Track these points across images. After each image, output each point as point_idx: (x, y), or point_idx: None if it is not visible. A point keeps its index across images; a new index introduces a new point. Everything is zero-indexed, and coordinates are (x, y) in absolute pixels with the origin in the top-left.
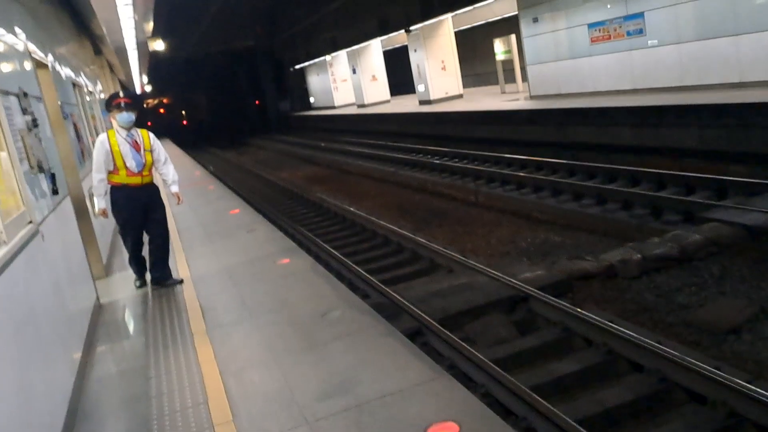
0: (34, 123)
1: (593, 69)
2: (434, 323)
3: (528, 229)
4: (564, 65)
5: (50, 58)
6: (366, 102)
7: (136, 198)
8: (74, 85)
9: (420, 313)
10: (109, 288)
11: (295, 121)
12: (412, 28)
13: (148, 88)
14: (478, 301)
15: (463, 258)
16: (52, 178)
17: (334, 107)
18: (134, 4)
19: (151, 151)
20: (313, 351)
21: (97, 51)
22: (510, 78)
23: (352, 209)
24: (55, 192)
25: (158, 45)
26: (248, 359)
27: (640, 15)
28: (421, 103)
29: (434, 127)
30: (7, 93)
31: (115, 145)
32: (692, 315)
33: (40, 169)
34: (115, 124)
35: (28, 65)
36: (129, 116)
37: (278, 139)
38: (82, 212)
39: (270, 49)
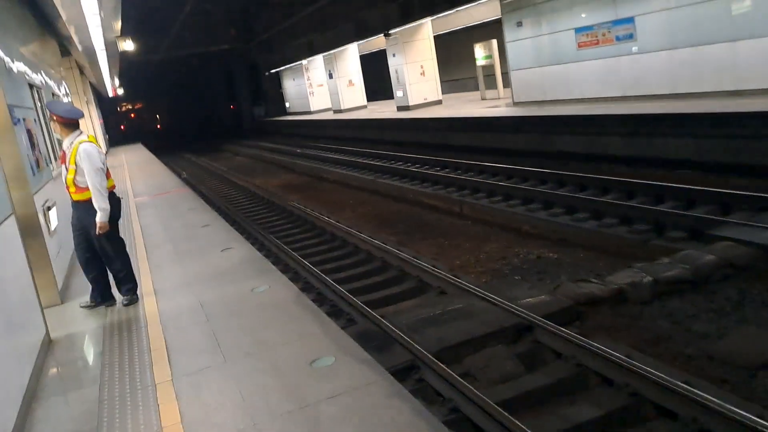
0: None
1: (580, 75)
2: (430, 356)
3: (519, 243)
4: (549, 71)
5: None
6: (342, 107)
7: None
8: (31, 86)
9: (413, 344)
10: (63, 318)
11: (270, 126)
12: (390, 31)
13: (121, 92)
14: (478, 330)
15: (455, 278)
16: None
17: (310, 112)
18: (99, 1)
19: (75, 167)
20: (301, 415)
21: (65, 52)
22: (490, 84)
23: (331, 221)
24: None
25: (128, 45)
26: (222, 425)
27: (630, 20)
28: (399, 109)
29: (413, 133)
30: None
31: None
32: (714, 346)
33: None
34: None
35: None
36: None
37: (253, 144)
38: (32, 232)
39: (245, 53)
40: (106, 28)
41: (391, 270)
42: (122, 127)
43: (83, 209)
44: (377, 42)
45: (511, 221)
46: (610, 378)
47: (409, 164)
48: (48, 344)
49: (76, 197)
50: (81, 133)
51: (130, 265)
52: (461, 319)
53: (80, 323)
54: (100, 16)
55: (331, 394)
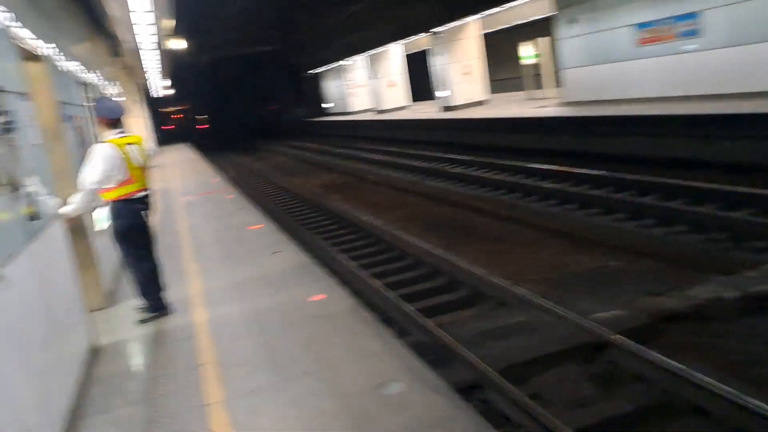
0: (6, 126)
1: (638, 73)
2: (496, 375)
3: (577, 251)
4: (605, 69)
5: (49, 50)
6: (384, 108)
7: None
8: (83, 84)
9: (477, 360)
10: (109, 323)
11: (310, 126)
12: (435, 30)
13: (168, 92)
14: (546, 347)
15: (513, 286)
16: (37, 198)
17: (350, 113)
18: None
19: None
20: None
21: (116, 52)
22: (538, 84)
23: (375, 222)
24: (34, 218)
25: (179, 44)
26: None
27: (695, 15)
28: (443, 109)
29: (458, 134)
30: None
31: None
32: None
33: (13, 188)
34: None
35: (7, 49)
36: None
37: (293, 144)
38: (79, 232)
39: (286, 54)
40: (158, 26)
41: (442, 276)
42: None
43: (110, 210)
44: (420, 42)
45: (567, 226)
46: (704, 408)
47: (454, 165)
48: (93, 353)
49: (105, 197)
50: (121, 132)
51: (148, 279)
52: (526, 334)
53: (127, 330)
54: (154, 14)
55: (405, 428)
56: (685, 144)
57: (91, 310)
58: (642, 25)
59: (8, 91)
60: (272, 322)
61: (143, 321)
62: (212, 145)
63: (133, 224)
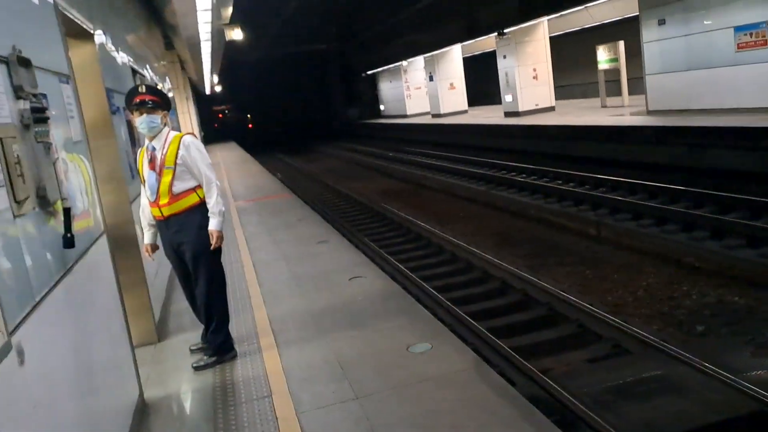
0: (38, 115)
1: (737, 81)
2: None
3: (685, 280)
4: (697, 75)
5: (100, 31)
6: (442, 111)
7: (163, 238)
8: (134, 72)
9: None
10: (160, 363)
11: (363, 128)
12: (505, 31)
13: (218, 89)
14: (701, 415)
15: (630, 327)
16: (67, 217)
17: (406, 116)
18: None
19: (174, 168)
20: None
21: (169, 45)
22: (612, 90)
23: (448, 237)
24: (69, 243)
25: (236, 34)
26: None
27: None
28: (508, 114)
29: (526, 141)
30: None
31: (140, 163)
32: None
33: (42, 201)
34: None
35: (48, 18)
36: (148, 121)
37: (346, 146)
38: (125, 249)
39: (341, 53)
40: (215, 15)
41: (534, 305)
42: (215, 125)
43: (179, 222)
44: (481, 44)
45: (669, 250)
46: None
47: (524, 175)
48: (141, 409)
49: (170, 210)
50: (170, 130)
51: (226, 307)
52: (669, 395)
53: (184, 377)
54: (212, 0)
55: None
56: None
57: (139, 346)
58: (742, 28)
59: (44, 69)
60: (368, 382)
61: (203, 366)
62: (261, 145)
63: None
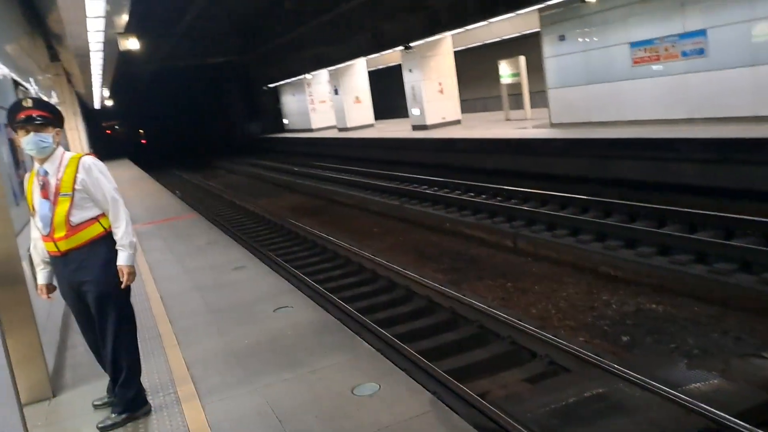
0: None
1: (635, 94)
2: None
3: (604, 289)
4: (596, 89)
5: None
6: (348, 125)
7: (60, 277)
8: (17, 84)
9: None
10: (56, 424)
11: (266, 143)
12: (412, 44)
13: (109, 103)
14: None
15: (562, 342)
16: None
17: (311, 130)
18: None
19: (72, 195)
20: None
21: (54, 56)
22: (515, 104)
23: (367, 254)
24: None
25: (132, 44)
26: None
27: (701, 32)
28: (415, 128)
29: (434, 155)
30: None
31: (29, 191)
32: None
33: None
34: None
35: None
36: (37, 141)
37: (248, 162)
38: (12, 287)
39: (242, 66)
40: (108, 23)
41: (463, 322)
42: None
43: (80, 258)
44: (386, 58)
45: (585, 260)
46: None
47: (436, 188)
48: None
49: (68, 244)
50: (64, 150)
51: (137, 355)
52: (615, 416)
53: None
54: (105, 8)
55: None
56: (692, 169)
57: (28, 404)
58: (638, 44)
59: None
60: None
61: (111, 426)
62: (157, 162)
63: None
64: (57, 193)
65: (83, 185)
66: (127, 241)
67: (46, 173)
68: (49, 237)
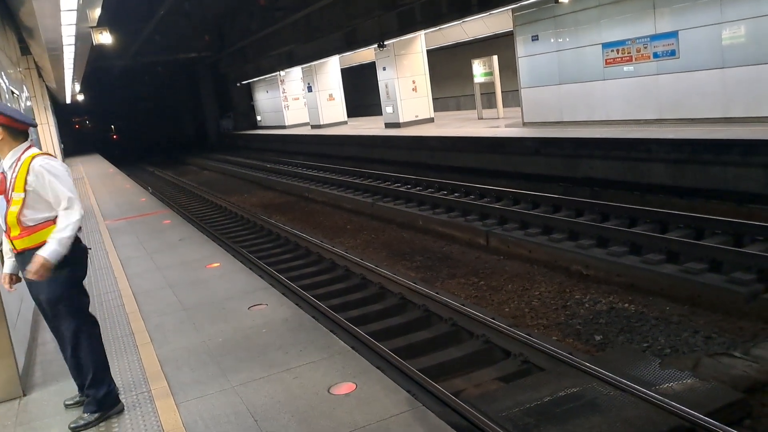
0: None
1: (606, 94)
2: None
3: (575, 288)
4: (569, 89)
5: None
6: (322, 122)
7: (23, 274)
8: None
9: None
10: (27, 424)
11: (239, 140)
12: (385, 42)
13: (80, 98)
14: None
15: (535, 341)
16: None
17: (284, 127)
18: None
19: (24, 195)
20: None
21: (25, 50)
22: (487, 103)
23: (339, 251)
24: None
25: (104, 38)
26: None
27: (673, 34)
28: (388, 126)
29: (407, 152)
30: None
31: None
32: None
33: None
34: None
35: None
36: None
37: (221, 158)
38: None
39: (214, 62)
40: (80, 17)
41: (436, 320)
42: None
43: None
44: (359, 56)
45: (557, 259)
46: None
47: (409, 186)
48: None
49: (22, 244)
50: (30, 146)
51: (103, 355)
52: (589, 414)
53: None
54: (78, 1)
55: None
56: (663, 169)
57: None
58: (609, 44)
59: None
60: None
61: (84, 426)
62: (129, 157)
63: (84, 274)
64: (11, 192)
65: (33, 186)
66: (59, 236)
67: (3, 171)
68: (7, 234)
